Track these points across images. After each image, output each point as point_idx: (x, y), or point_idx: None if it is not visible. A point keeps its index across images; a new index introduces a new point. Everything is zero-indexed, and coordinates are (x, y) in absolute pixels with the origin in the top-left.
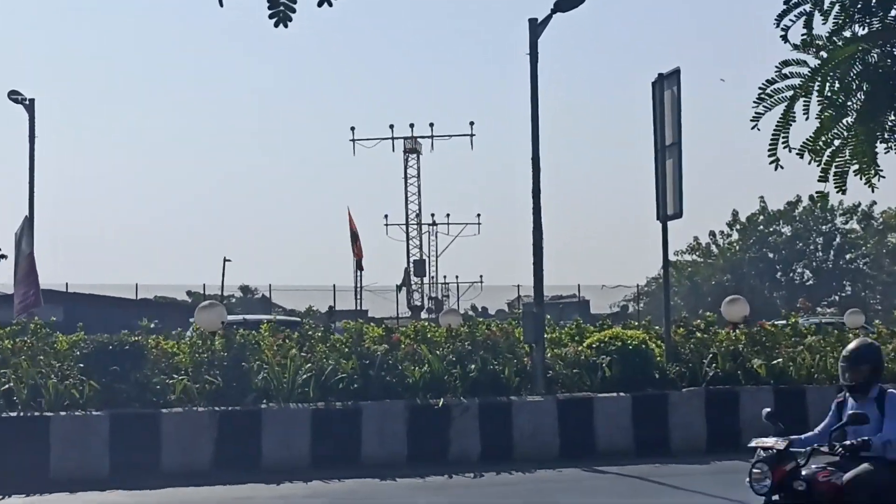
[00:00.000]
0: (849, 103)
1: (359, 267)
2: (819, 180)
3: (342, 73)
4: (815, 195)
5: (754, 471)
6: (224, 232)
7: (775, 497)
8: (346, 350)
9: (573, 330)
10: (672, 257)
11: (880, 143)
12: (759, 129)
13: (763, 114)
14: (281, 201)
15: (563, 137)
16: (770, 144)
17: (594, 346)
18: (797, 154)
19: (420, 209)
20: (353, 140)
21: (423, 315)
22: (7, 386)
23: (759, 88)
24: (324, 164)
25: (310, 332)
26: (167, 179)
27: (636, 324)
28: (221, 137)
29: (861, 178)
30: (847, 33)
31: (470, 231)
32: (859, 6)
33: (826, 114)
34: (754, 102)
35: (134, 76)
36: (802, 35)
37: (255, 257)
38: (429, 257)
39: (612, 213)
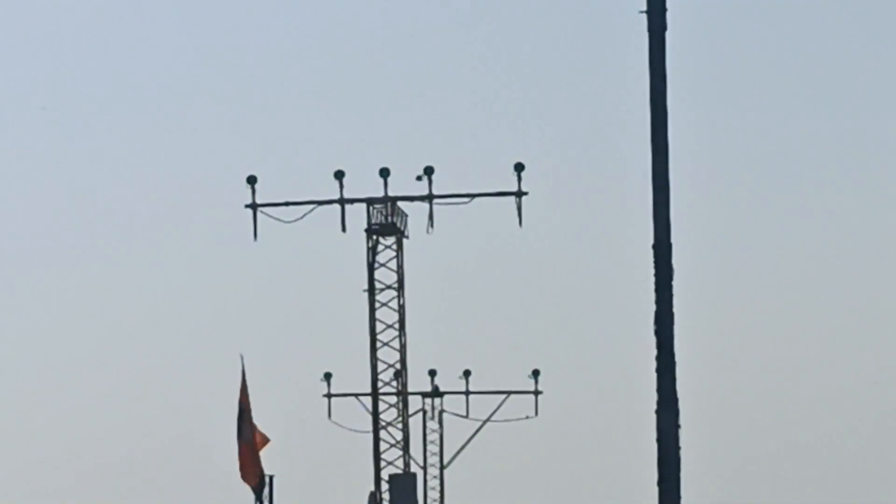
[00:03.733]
0: None
1: (256, 497)
2: None
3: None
4: None
5: None
6: None
7: None
8: None
9: None
10: None
11: None
12: None
13: None
14: (89, 351)
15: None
16: None
17: None
18: None
19: (404, 361)
20: (255, 207)
21: None
22: None
23: None
24: (189, 261)
25: None
26: None
27: None
28: None
29: None
30: None
31: (516, 409)
32: None
33: None
34: None
35: None
36: None
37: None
38: (425, 468)
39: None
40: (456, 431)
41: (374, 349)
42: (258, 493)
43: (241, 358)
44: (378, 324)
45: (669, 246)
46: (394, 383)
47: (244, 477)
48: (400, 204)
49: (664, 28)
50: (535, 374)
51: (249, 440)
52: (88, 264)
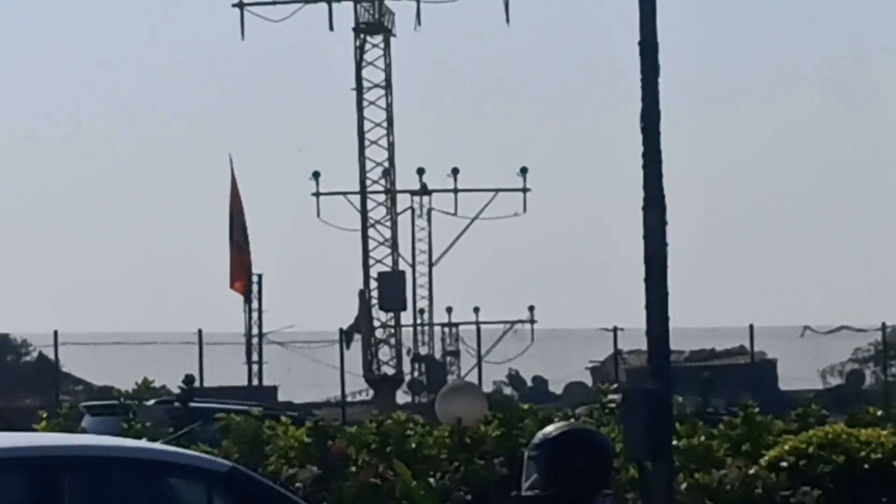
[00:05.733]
0: None
1: (241, 293)
2: None
3: None
4: None
5: None
6: None
7: None
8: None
9: (738, 429)
10: None
11: None
12: None
13: None
14: (80, 148)
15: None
16: None
17: (785, 462)
18: None
19: (392, 159)
20: (242, 6)
21: (402, 395)
22: None
23: None
24: (178, 61)
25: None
26: None
27: (879, 413)
28: None
29: None
30: None
31: (504, 206)
32: None
33: None
34: None
35: None
36: None
37: (22, 273)
38: (413, 266)
39: (824, 153)
40: (444, 229)
41: (362, 148)
42: (246, 295)
43: (230, 158)
44: (366, 122)
45: (656, 44)
46: (382, 182)
47: (231, 282)
48: (387, 2)
49: None
50: (524, 171)
51: (240, 242)
52: (79, 63)
